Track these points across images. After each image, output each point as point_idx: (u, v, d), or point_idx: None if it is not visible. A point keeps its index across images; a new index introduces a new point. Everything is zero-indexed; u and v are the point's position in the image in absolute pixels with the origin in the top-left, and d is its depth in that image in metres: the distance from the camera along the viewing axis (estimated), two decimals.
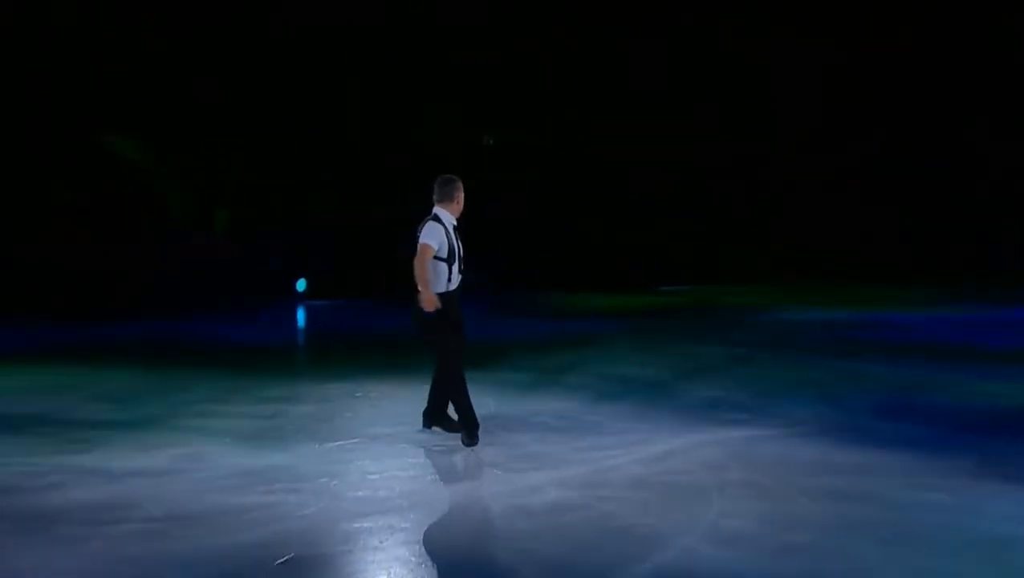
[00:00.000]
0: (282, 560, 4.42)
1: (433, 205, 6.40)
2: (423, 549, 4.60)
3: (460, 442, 6.44)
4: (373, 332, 13.65)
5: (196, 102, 17.66)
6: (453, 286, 6.41)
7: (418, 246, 6.21)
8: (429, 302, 6.20)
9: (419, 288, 6.20)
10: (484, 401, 7.94)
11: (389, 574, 4.32)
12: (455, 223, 6.43)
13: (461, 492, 5.57)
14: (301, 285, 18.91)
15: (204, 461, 6.06)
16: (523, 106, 20.11)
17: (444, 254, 6.28)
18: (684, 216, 22.22)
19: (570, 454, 6.25)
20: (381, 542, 4.67)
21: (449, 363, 6.42)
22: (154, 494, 5.36)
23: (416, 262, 6.19)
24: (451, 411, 6.64)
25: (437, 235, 6.26)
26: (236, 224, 18.79)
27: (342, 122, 18.97)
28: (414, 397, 8.36)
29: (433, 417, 6.69)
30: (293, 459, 6.11)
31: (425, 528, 4.90)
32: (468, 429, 6.51)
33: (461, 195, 6.47)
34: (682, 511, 5.09)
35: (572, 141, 20.46)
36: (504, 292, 18.48)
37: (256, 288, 17.81)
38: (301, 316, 16.66)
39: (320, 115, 18.56)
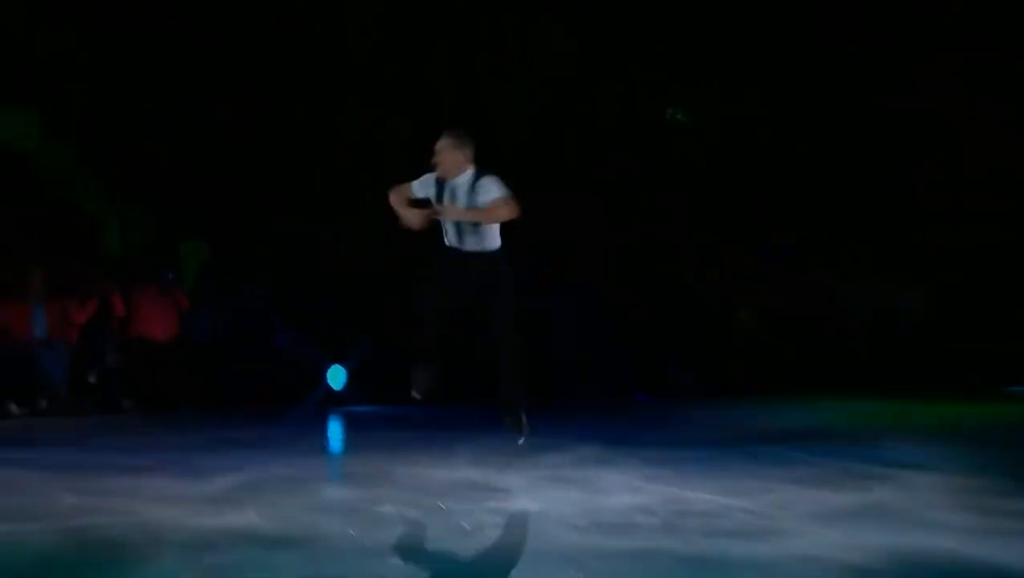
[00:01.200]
0: None
1: (464, 161, 8.89)
2: None
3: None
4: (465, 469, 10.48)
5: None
6: None
7: (508, 201, 8.61)
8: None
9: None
10: None
11: None
12: None
13: None
14: (337, 377, 17.94)
15: None
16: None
17: None
18: None
19: None
20: None
21: (517, 328, 8.93)
22: None
23: (511, 212, 8.63)
24: None
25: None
26: (213, 267, 18.83)
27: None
28: None
29: (516, 406, 9.07)
30: None
31: None
32: (523, 415, 9.02)
33: None
34: None
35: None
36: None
37: (252, 383, 17.06)
38: (335, 438, 14.89)
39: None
